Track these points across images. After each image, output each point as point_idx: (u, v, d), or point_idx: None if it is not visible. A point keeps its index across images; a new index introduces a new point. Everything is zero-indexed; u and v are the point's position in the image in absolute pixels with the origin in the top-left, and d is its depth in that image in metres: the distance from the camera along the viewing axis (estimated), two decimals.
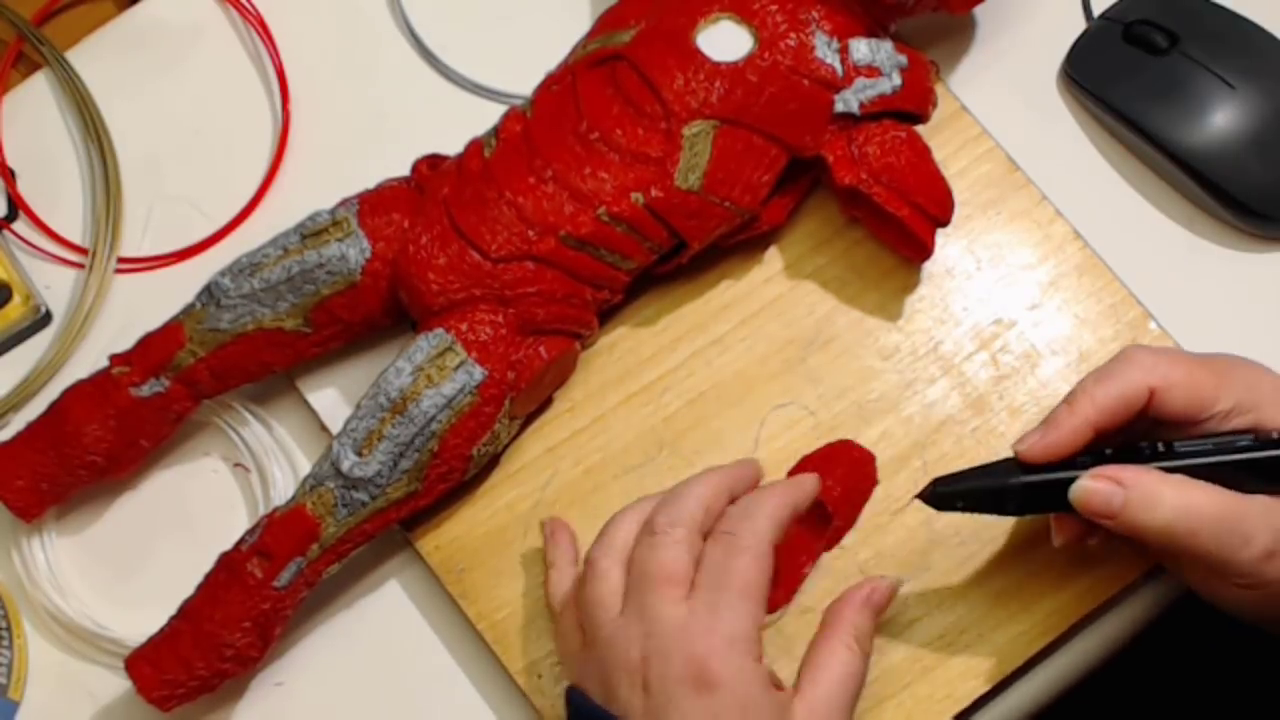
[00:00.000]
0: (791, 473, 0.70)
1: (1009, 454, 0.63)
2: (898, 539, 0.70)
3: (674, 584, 0.61)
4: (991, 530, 0.70)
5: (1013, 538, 0.70)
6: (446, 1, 0.81)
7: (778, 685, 0.62)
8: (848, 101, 0.71)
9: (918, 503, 0.64)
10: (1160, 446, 0.60)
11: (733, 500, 0.64)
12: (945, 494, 0.63)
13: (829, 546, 0.69)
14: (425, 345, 0.68)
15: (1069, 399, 0.61)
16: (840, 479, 0.69)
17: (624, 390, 0.73)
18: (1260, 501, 0.59)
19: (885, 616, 0.68)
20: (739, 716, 0.59)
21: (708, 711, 0.59)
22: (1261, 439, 0.59)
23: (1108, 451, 0.61)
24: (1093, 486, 0.59)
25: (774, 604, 0.67)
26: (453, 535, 0.71)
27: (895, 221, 0.71)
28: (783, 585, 0.68)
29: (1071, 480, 0.60)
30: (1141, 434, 0.61)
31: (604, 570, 0.63)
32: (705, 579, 0.61)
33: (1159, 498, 0.58)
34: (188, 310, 0.71)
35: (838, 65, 0.71)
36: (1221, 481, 0.59)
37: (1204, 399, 0.59)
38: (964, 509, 0.63)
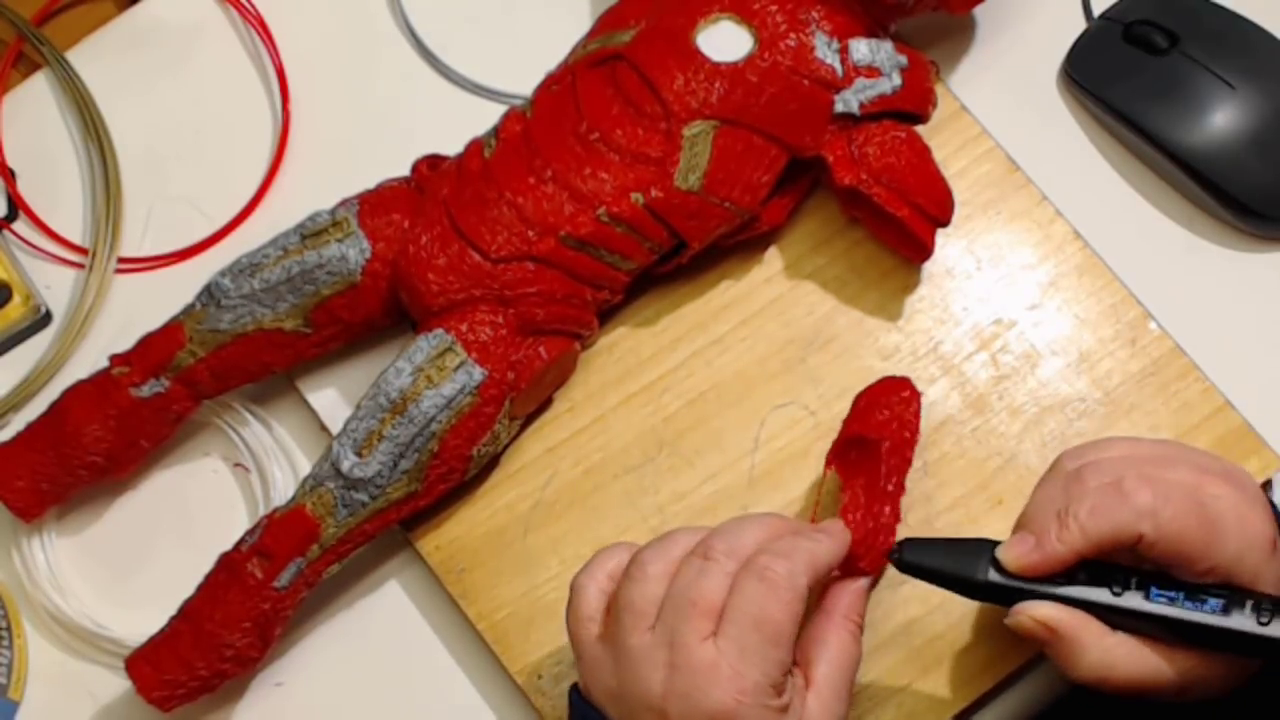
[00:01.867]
0: (849, 420, 0.68)
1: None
2: (898, 539, 0.70)
3: (709, 617, 0.60)
4: (992, 530, 0.69)
5: None
6: (446, 1, 0.81)
7: (779, 691, 0.61)
8: (848, 102, 0.71)
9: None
10: (1133, 582, 0.60)
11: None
12: (912, 564, 0.62)
13: (896, 492, 0.67)
14: (425, 345, 0.68)
15: (1064, 520, 0.60)
16: (894, 413, 0.68)
17: (624, 390, 0.73)
18: (1182, 659, 0.59)
19: (885, 616, 0.68)
20: None
21: None
22: (1229, 606, 0.59)
23: (1082, 576, 0.60)
24: (1028, 625, 0.60)
25: (869, 567, 0.65)
26: (453, 535, 0.71)
27: (895, 222, 0.71)
28: (871, 549, 0.66)
29: (1032, 591, 0.60)
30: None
31: (652, 575, 0.61)
32: (737, 616, 0.59)
33: (1082, 659, 0.59)
34: (188, 310, 0.71)
35: (838, 65, 0.71)
36: (1174, 629, 0.59)
37: (1189, 557, 0.59)
38: (925, 580, 0.63)
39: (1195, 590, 0.59)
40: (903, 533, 0.68)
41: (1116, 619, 0.60)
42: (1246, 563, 0.59)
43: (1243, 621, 0.58)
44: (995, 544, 0.61)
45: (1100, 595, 0.60)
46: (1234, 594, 0.59)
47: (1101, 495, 0.59)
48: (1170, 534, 0.58)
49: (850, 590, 0.64)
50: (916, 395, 0.68)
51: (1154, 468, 0.60)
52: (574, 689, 0.63)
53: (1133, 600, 0.59)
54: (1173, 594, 0.59)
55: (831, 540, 0.63)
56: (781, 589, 0.59)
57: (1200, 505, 0.59)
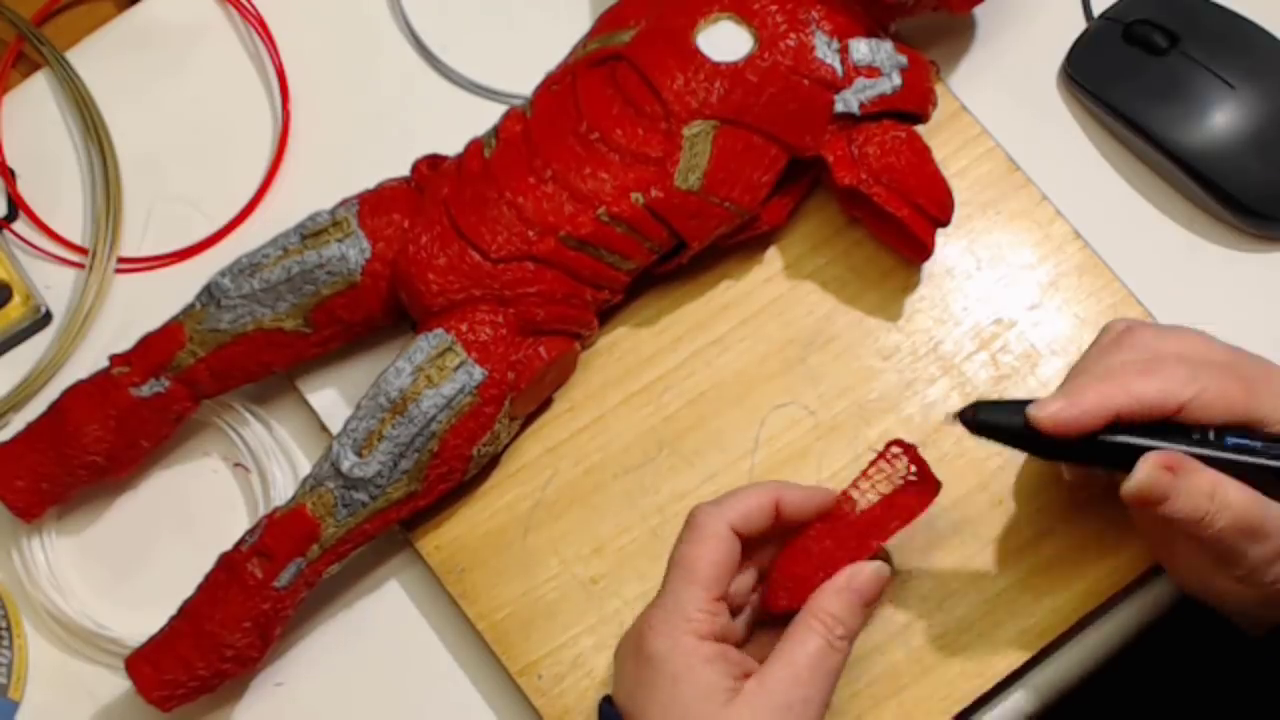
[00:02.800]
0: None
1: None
2: (898, 539, 0.70)
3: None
4: (992, 530, 0.70)
5: (1013, 538, 0.70)
6: (446, 1, 0.81)
7: (742, 666, 0.61)
8: (848, 102, 0.71)
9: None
10: (1211, 434, 0.61)
11: (780, 512, 0.64)
12: (985, 423, 0.63)
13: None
14: (425, 345, 0.68)
15: (1103, 376, 0.61)
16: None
17: (624, 390, 0.73)
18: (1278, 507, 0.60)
19: (885, 617, 0.68)
20: (670, 686, 0.60)
21: (641, 681, 0.61)
22: None
23: (1158, 430, 0.61)
24: (1152, 463, 0.60)
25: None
26: (453, 535, 0.71)
27: (895, 222, 0.71)
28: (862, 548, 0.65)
29: (1113, 443, 0.61)
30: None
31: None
32: (669, 562, 0.63)
33: (1197, 484, 0.60)
34: (188, 310, 0.71)
35: (838, 65, 0.71)
36: (1250, 482, 0.60)
37: (1235, 412, 0.61)
38: (998, 440, 0.63)
39: (1270, 439, 0.61)
40: (903, 532, 0.68)
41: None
42: None
43: None
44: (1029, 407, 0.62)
45: (1181, 444, 0.61)
46: None
47: (1147, 363, 0.62)
48: (1213, 395, 0.60)
49: (828, 591, 0.62)
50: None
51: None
52: (605, 701, 0.64)
53: (1211, 448, 0.61)
54: (1250, 442, 0.61)
55: (789, 490, 0.64)
56: (698, 529, 0.62)
57: (1236, 363, 0.62)
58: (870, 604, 0.63)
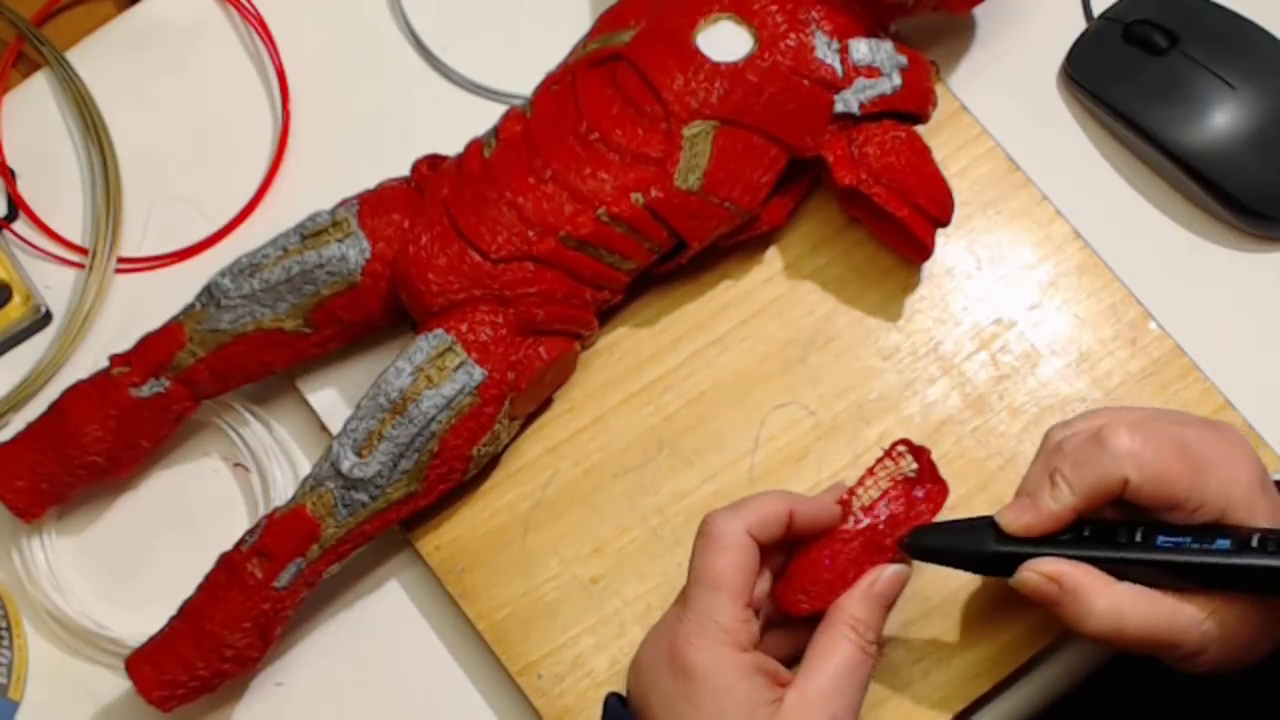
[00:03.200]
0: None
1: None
2: None
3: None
4: None
5: None
6: (446, 1, 0.81)
7: (777, 676, 0.62)
8: (848, 102, 0.71)
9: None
10: (1138, 535, 0.60)
11: (793, 521, 0.64)
12: (919, 548, 0.64)
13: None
14: (425, 346, 0.68)
15: (1052, 480, 0.61)
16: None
17: (624, 390, 0.73)
18: (1193, 607, 0.59)
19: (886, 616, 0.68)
20: (714, 699, 0.60)
21: (682, 694, 0.61)
22: (1239, 544, 0.59)
23: (1085, 533, 0.61)
24: (1035, 581, 0.61)
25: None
26: (453, 535, 0.71)
27: (895, 222, 0.71)
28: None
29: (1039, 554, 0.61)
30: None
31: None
32: (689, 572, 0.63)
33: (1091, 610, 0.59)
34: (188, 310, 0.71)
35: (838, 65, 0.71)
36: (1184, 573, 0.59)
37: (1174, 496, 0.59)
38: (936, 563, 0.64)
39: (1201, 532, 0.59)
40: None
41: (1126, 570, 0.60)
42: (1236, 498, 0.59)
43: (1254, 556, 0.58)
44: (994, 517, 0.62)
45: (1107, 550, 0.60)
46: (1238, 532, 0.59)
47: (1083, 448, 0.60)
48: (1155, 474, 0.59)
49: (854, 597, 0.63)
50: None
51: (1134, 419, 0.61)
52: (612, 698, 0.64)
53: (1140, 550, 0.60)
54: (1179, 539, 0.59)
55: (802, 501, 0.64)
56: (715, 538, 0.62)
57: (1181, 445, 0.60)
58: (891, 607, 0.64)
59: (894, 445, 0.65)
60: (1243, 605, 0.60)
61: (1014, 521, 0.61)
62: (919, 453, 0.65)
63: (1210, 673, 0.61)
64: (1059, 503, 0.60)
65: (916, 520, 0.65)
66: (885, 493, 0.65)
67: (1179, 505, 0.59)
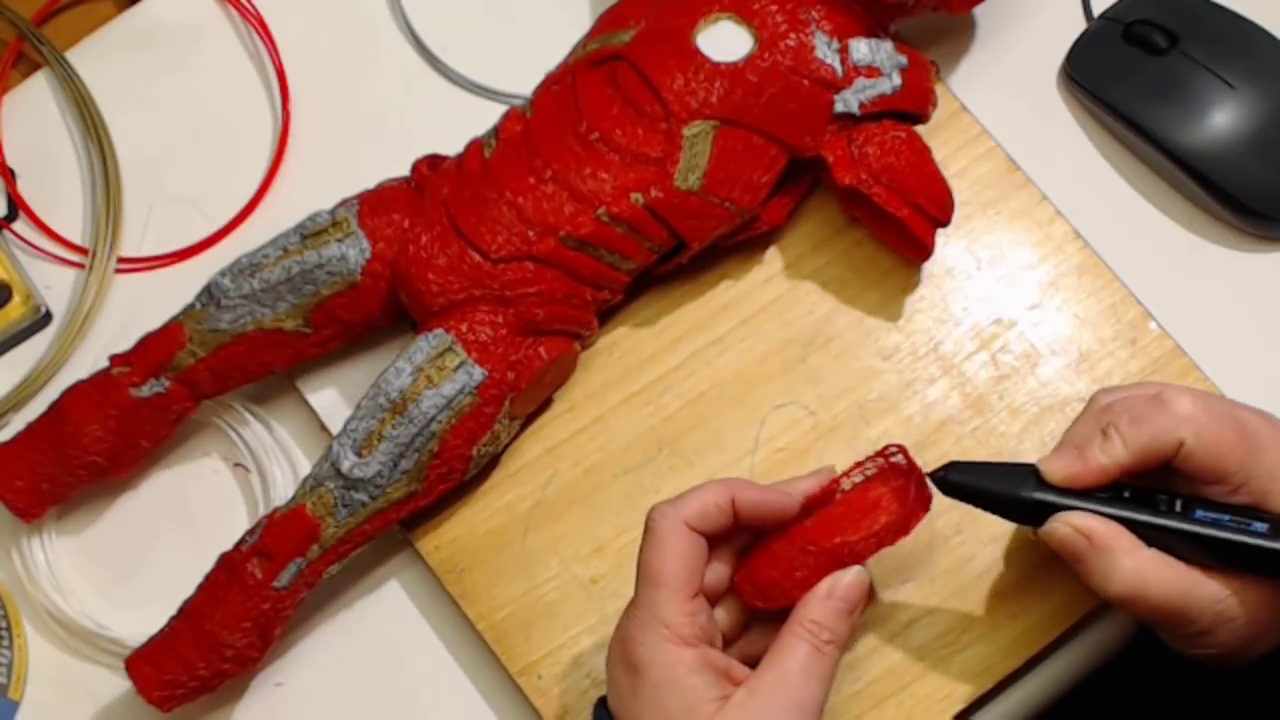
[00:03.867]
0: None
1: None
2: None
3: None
4: (991, 530, 0.70)
5: (1013, 538, 0.70)
6: (446, 1, 0.81)
7: (728, 673, 0.61)
8: (848, 102, 0.71)
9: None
10: (1178, 505, 0.60)
11: (737, 509, 0.63)
12: (956, 484, 0.63)
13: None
14: (425, 345, 0.68)
15: (1105, 433, 0.60)
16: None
17: (624, 390, 0.73)
18: (1216, 584, 0.60)
19: (885, 616, 0.68)
20: (654, 694, 0.60)
21: (630, 689, 0.61)
22: (1276, 528, 0.59)
23: (1125, 494, 0.61)
24: (1064, 533, 0.61)
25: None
26: (453, 535, 0.71)
27: (895, 222, 0.71)
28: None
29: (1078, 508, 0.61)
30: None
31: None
32: (637, 567, 0.63)
33: (1117, 569, 0.60)
34: (188, 310, 0.71)
35: (838, 65, 0.71)
36: (1214, 550, 0.60)
37: (1224, 468, 0.60)
38: (967, 502, 0.63)
39: (1239, 512, 0.60)
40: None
41: (1158, 539, 0.60)
42: None
43: None
44: (1038, 464, 0.62)
45: (1146, 514, 0.60)
46: (1277, 518, 0.59)
47: (1143, 405, 0.60)
48: (1209, 441, 0.59)
49: (815, 599, 0.62)
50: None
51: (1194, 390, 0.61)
52: (600, 703, 0.64)
53: (1178, 520, 0.60)
54: (1218, 515, 0.60)
55: (741, 485, 0.63)
56: (654, 532, 0.62)
57: (1238, 421, 0.60)
58: (855, 610, 0.62)
59: (887, 447, 0.64)
60: (1263, 592, 0.60)
61: (1059, 470, 0.61)
62: (911, 463, 0.64)
63: (1215, 659, 0.61)
64: (1110, 456, 0.60)
65: (891, 522, 0.63)
66: (870, 481, 0.64)
67: (1226, 479, 0.60)
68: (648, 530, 0.62)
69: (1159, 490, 0.61)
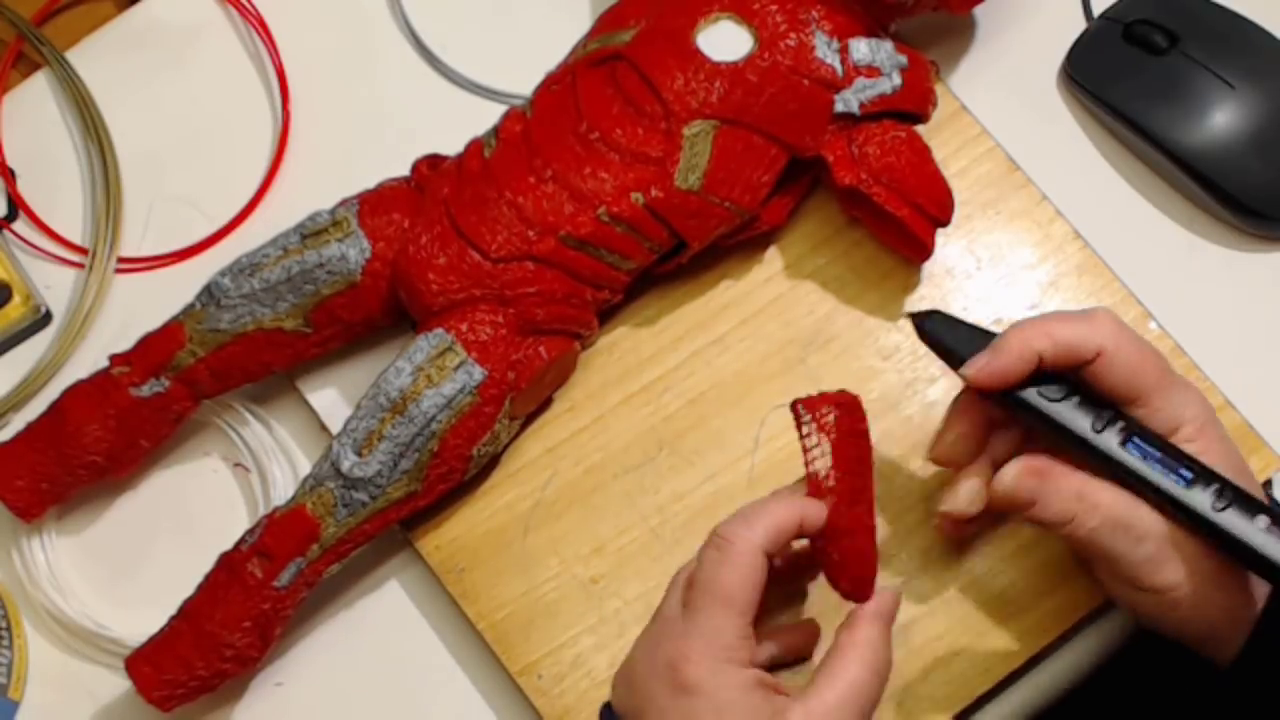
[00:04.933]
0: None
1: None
2: (899, 539, 0.70)
3: (689, 589, 0.63)
4: (992, 530, 0.70)
5: (1013, 538, 0.70)
6: (446, 1, 0.81)
7: (776, 689, 0.62)
8: (848, 101, 0.71)
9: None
10: (1118, 424, 0.61)
11: (802, 527, 0.63)
12: (929, 334, 0.65)
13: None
14: (425, 345, 0.68)
15: (1026, 325, 0.62)
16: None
17: (624, 390, 0.73)
18: (1159, 526, 0.61)
19: None
20: (715, 715, 0.60)
21: (680, 712, 0.60)
22: (1195, 481, 0.59)
23: (1072, 398, 0.62)
24: (1013, 472, 0.62)
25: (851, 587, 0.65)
26: (453, 535, 0.71)
27: (895, 222, 0.71)
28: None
29: (1022, 400, 0.62)
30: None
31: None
32: (697, 582, 0.62)
33: (1060, 488, 0.61)
34: (188, 310, 0.71)
35: (838, 65, 0.71)
36: (1140, 484, 0.60)
37: (1141, 386, 0.61)
38: (938, 354, 0.65)
39: (1172, 454, 0.60)
40: (902, 533, 0.68)
41: (1090, 462, 0.61)
42: (1190, 418, 0.61)
43: (1200, 499, 0.59)
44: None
45: (1083, 424, 0.61)
46: (1206, 473, 0.60)
47: (1071, 312, 0.63)
48: (1128, 356, 0.61)
49: (861, 617, 0.63)
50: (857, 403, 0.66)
51: None
52: (606, 708, 0.64)
53: (1109, 441, 0.61)
54: (1149, 449, 0.60)
55: (808, 505, 0.64)
56: (731, 553, 0.62)
57: (1155, 351, 0.62)
58: (892, 622, 0.64)
59: (796, 410, 0.65)
60: (1198, 546, 0.60)
61: (980, 371, 0.62)
62: (816, 402, 0.65)
63: (1174, 624, 0.61)
64: (1029, 348, 0.61)
65: (863, 461, 0.65)
66: (835, 447, 0.65)
67: (1142, 398, 0.61)
68: (720, 547, 0.62)
69: (1105, 404, 0.62)
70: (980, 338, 0.63)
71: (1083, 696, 0.70)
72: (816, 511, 0.64)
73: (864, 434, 0.65)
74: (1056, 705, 0.70)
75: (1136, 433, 0.61)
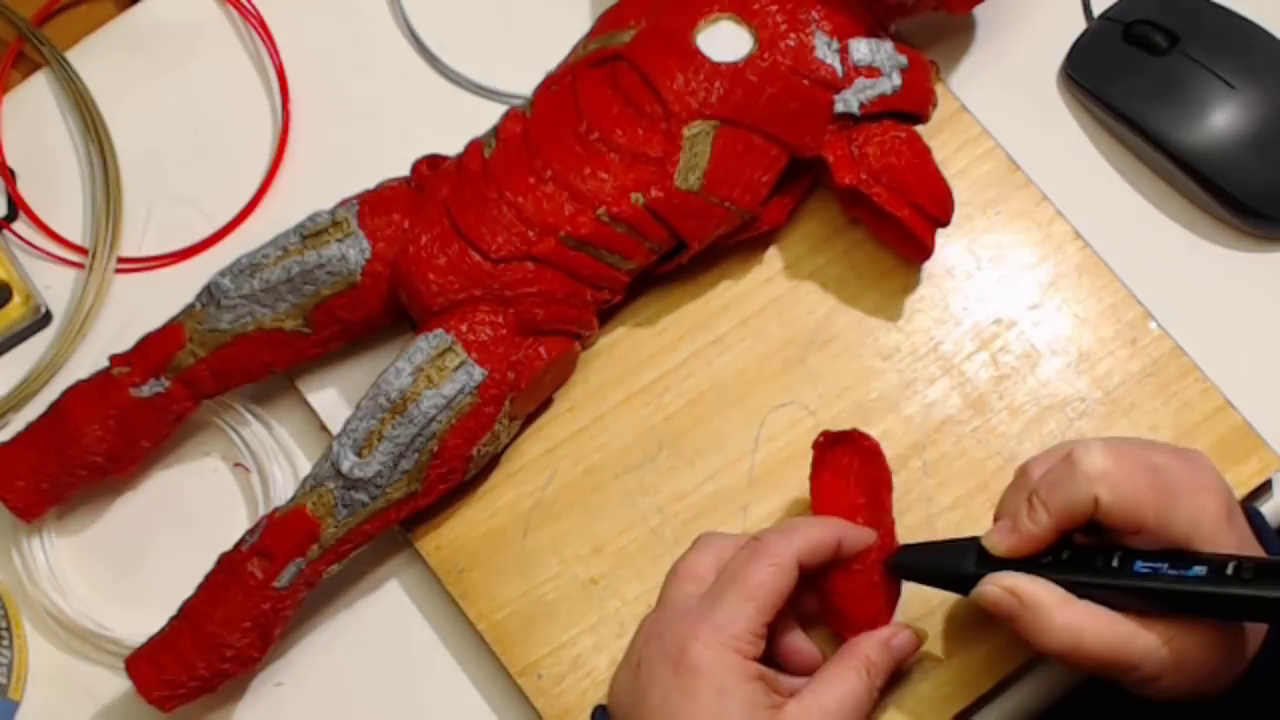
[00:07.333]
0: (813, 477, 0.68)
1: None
2: (899, 539, 0.70)
3: (703, 582, 0.64)
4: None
5: None
6: (446, 1, 0.81)
7: (776, 687, 0.62)
8: (848, 102, 0.71)
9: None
10: (1115, 559, 0.60)
11: (839, 549, 0.65)
12: (906, 566, 0.65)
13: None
14: (425, 346, 0.68)
15: (1030, 503, 0.61)
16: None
17: (624, 390, 0.73)
18: (1156, 631, 0.59)
19: None
20: (715, 698, 0.60)
21: (682, 690, 0.61)
22: (1214, 571, 0.58)
23: (1065, 555, 0.61)
24: (994, 594, 0.61)
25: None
26: (453, 535, 0.71)
27: (895, 222, 0.71)
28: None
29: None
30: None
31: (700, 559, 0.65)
32: (723, 574, 0.63)
33: (1049, 625, 0.60)
34: (188, 310, 0.71)
35: (838, 65, 0.71)
36: (1158, 598, 0.59)
37: (1142, 519, 0.60)
38: (919, 582, 0.65)
39: (1177, 559, 0.60)
40: (903, 534, 0.68)
41: (1102, 594, 0.60)
42: (1203, 529, 0.60)
43: (1231, 585, 0.58)
44: (980, 539, 0.63)
45: (1086, 575, 0.61)
46: (1213, 559, 0.59)
47: (1056, 470, 0.61)
48: (1123, 495, 0.59)
49: (873, 640, 0.64)
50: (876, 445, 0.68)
51: (1105, 442, 0.62)
52: (600, 710, 0.65)
53: (1118, 576, 0.60)
54: (1156, 564, 0.60)
55: (841, 526, 0.65)
56: (766, 554, 0.63)
57: (1151, 469, 0.60)
58: (900, 665, 0.65)
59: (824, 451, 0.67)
60: (1204, 633, 0.60)
61: (999, 544, 0.62)
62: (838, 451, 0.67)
63: (1169, 700, 0.61)
64: (1037, 524, 0.61)
65: (875, 491, 0.66)
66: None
67: (1146, 529, 0.60)
68: (757, 549, 0.63)
69: (1099, 546, 0.61)
70: (952, 549, 0.64)
71: (1083, 696, 0.70)
72: (858, 536, 0.65)
73: (886, 483, 0.67)
74: (1057, 705, 0.70)
75: (1137, 555, 0.60)
